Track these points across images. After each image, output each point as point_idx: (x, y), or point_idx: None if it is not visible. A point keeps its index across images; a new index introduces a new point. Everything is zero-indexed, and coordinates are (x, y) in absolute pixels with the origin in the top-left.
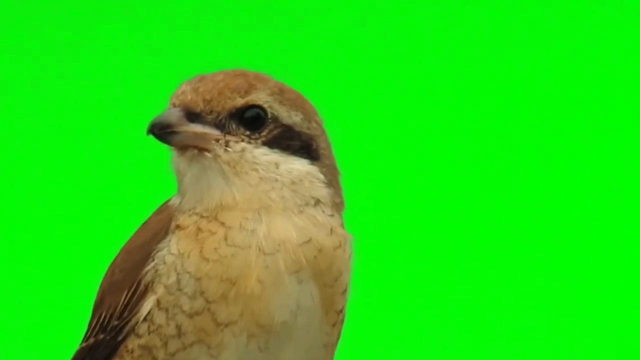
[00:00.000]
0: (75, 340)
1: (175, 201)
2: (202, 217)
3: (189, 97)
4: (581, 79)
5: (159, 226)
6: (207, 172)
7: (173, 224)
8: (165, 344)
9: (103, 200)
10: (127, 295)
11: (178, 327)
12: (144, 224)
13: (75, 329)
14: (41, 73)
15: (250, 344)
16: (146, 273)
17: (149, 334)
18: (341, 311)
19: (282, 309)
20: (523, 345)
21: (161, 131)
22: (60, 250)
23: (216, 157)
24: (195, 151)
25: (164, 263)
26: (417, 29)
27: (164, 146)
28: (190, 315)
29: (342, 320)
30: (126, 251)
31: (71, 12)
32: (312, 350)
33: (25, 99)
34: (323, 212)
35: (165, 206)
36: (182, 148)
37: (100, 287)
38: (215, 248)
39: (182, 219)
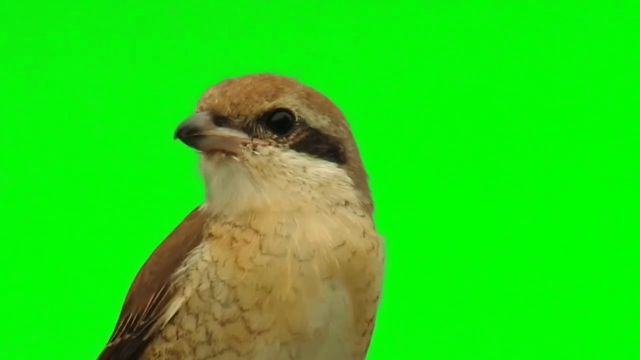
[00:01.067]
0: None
1: (204, 207)
2: (235, 226)
3: (217, 101)
4: (581, 79)
5: (191, 230)
6: (234, 176)
7: (206, 231)
8: (194, 350)
9: (129, 206)
10: (155, 296)
11: (208, 334)
12: (176, 228)
13: (101, 332)
14: (42, 75)
15: (282, 351)
16: (176, 276)
17: (177, 338)
18: (371, 320)
19: (315, 316)
20: (525, 344)
21: (188, 135)
22: (86, 252)
23: (244, 160)
24: (223, 155)
25: (196, 269)
26: (438, 31)
27: (186, 150)
28: (222, 323)
29: (372, 330)
30: (157, 254)
31: (73, 13)
32: (342, 358)
33: (35, 103)
34: (354, 212)
35: (196, 212)
36: (210, 152)
37: (130, 289)
38: (251, 257)
39: (215, 228)
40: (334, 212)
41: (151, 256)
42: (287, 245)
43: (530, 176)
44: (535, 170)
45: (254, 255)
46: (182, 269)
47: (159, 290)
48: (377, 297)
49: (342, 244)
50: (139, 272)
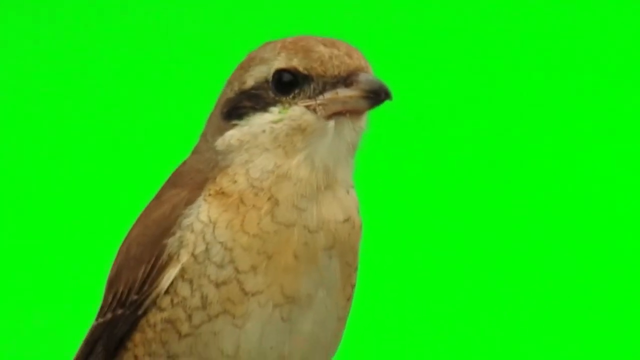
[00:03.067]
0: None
1: (204, 167)
2: (252, 186)
3: (362, 62)
4: (581, 79)
5: (177, 200)
6: (345, 142)
7: (210, 189)
8: (190, 317)
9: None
10: (146, 268)
11: (204, 298)
12: (157, 198)
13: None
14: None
15: (275, 313)
16: (169, 244)
17: (172, 306)
18: (354, 286)
19: (308, 281)
20: (521, 344)
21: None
22: (57, 240)
23: (361, 129)
24: (346, 117)
25: (192, 231)
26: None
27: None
28: (217, 285)
29: (353, 295)
30: (142, 225)
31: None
32: (328, 322)
33: (28, 99)
34: (353, 188)
35: (178, 177)
36: (336, 114)
37: (115, 262)
38: (258, 223)
39: (226, 185)
40: (348, 192)
41: (134, 228)
42: (301, 217)
43: (527, 173)
44: (531, 167)
45: (261, 221)
46: (176, 235)
47: (149, 261)
48: (358, 266)
49: (348, 219)
50: (122, 245)
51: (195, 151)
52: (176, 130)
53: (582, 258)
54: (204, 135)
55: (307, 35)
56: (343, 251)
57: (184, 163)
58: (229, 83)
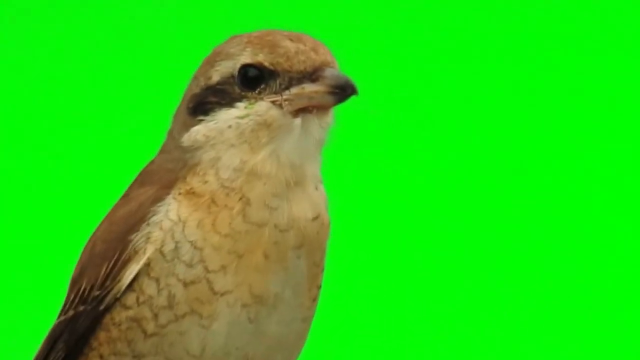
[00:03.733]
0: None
1: (171, 166)
2: (223, 186)
3: (328, 58)
4: (581, 79)
5: (143, 197)
6: (312, 139)
7: (181, 188)
8: (156, 316)
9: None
10: (109, 264)
11: (171, 297)
12: (125, 196)
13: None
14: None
15: (242, 314)
16: (133, 240)
17: (138, 305)
18: (319, 287)
19: (276, 280)
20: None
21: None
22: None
23: (327, 125)
24: (312, 113)
25: (160, 229)
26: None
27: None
28: (186, 284)
29: (318, 296)
30: (108, 222)
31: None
32: (293, 323)
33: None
34: (321, 183)
35: (147, 176)
36: (302, 109)
37: (79, 260)
38: (230, 223)
39: (197, 185)
40: (317, 188)
41: (101, 226)
42: (271, 216)
43: (524, 174)
44: (528, 167)
45: (233, 221)
46: (143, 231)
47: (112, 257)
48: (324, 266)
49: (317, 217)
50: (87, 243)
51: (163, 150)
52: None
53: (582, 258)
54: (170, 133)
55: (273, 29)
56: (311, 250)
57: (152, 162)
58: (195, 78)
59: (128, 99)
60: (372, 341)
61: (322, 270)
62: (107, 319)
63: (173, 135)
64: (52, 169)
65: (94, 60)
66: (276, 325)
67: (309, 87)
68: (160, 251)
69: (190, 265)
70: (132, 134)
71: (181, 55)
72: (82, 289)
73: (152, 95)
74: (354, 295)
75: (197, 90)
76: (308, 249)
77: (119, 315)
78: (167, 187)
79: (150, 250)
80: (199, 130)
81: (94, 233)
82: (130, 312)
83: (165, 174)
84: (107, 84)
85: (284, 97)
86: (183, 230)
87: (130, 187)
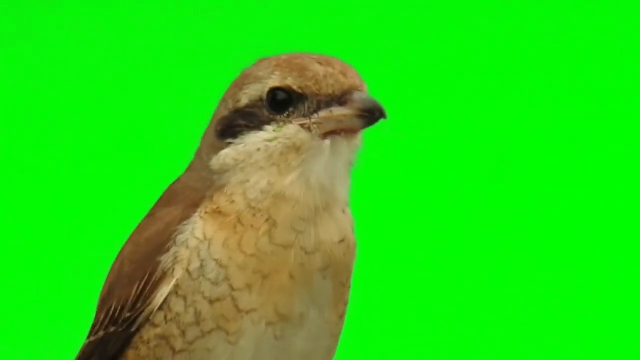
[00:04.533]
0: (73, 338)
1: (200, 185)
2: (250, 207)
3: (357, 81)
4: (582, 79)
5: (170, 218)
6: (342, 161)
7: (207, 207)
8: (184, 333)
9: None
10: (139, 286)
11: (197, 314)
12: (150, 215)
13: (72, 328)
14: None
15: (268, 331)
16: (162, 261)
17: (166, 323)
18: (346, 303)
19: (301, 300)
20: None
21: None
22: (56, 249)
23: (356, 147)
24: (341, 136)
25: (187, 247)
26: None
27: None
28: (212, 302)
29: (346, 312)
30: (135, 243)
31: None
32: (321, 339)
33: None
34: (348, 206)
35: (172, 195)
36: (331, 133)
37: (107, 280)
38: (256, 243)
39: (224, 205)
40: (344, 211)
41: (127, 245)
42: (298, 239)
43: (523, 175)
44: (527, 172)
45: (259, 241)
46: (171, 251)
47: (142, 278)
48: (351, 284)
49: (343, 240)
50: (115, 263)
51: (190, 169)
52: (172, 138)
53: (581, 258)
54: (198, 153)
55: (301, 52)
56: (338, 271)
57: (178, 180)
58: (224, 101)
59: (137, 104)
60: (381, 346)
61: (349, 288)
62: (136, 337)
63: (201, 157)
64: (54, 171)
65: (100, 66)
66: (303, 341)
67: (337, 111)
68: (187, 270)
69: (215, 283)
70: (143, 139)
71: (198, 66)
72: (113, 309)
73: (160, 101)
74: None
75: (225, 113)
76: (334, 270)
77: (148, 333)
78: (193, 206)
79: (178, 271)
80: (228, 154)
81: (121, 252)
82: (159, 330)
83: (191, 193)
84: (111, 89)
85: (313, 120)
86: (209, 248)
87: (156, 206)
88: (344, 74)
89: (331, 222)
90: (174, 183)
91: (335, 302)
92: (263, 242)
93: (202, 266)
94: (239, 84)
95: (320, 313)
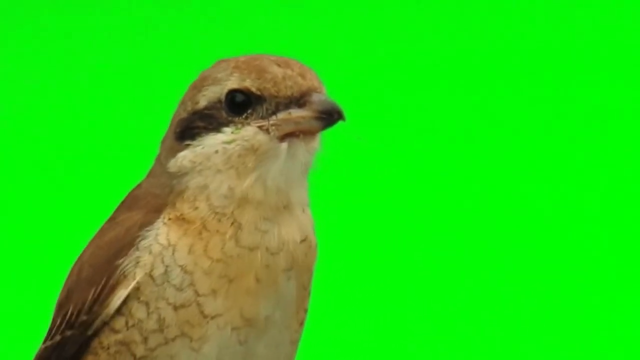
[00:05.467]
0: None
1: (160, 191)
2: (214, 212)
3: (315, 83)
4: (581, 79)
5: (131, 222)
6: (299, 163)
7: (170, 214)
8: (146, 339)
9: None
10: (97, 289)
11: (161, 321)
12: (111, 220)
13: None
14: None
15: (233, 336)
16: (122, 265)
17: (127, 329)
18: (306, 311)
19: (267, 304)
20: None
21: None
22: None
23: (314, 149)
24: (299, 138)
25: (150, 253)
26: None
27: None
28: (176, 308)
29: (305, 320)
30: (95, 247)
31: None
32: (282, 346)
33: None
34: (308, 207)
35: (134, 200)
36: (289, 134)
37: (65, 284)
38: (222, 248)
39: (187, 212)
40: (304, 211)
41: (87, 249)
42: (263, 240)
43: (516, 180)
44: (521, 172)
45: (225, 245)
46: (132, 255)
47: (100, 282)
48: (311, 289)
49: (305, 239)
50: (74, 267)
51: (151, 174)
52: (134, 143)
53: (580, 258)
54: (158, 158)
55: (260, 54)
56: (300, 272)
57: (139, 186)
58: (182, 103)
59: (126, 107)
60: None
61: (309, 294)
62: (95, 343)
63: (160, 161)
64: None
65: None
66: (265, 347)
67: (295, 113)
68: (149, 275)
69: (180, 289)
70: (127, 140)
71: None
72: (70, 313)
73: (121, 105)
74: (340, 315)
75: (184, 115)
76: (297, 271)
77: (108, 339)
78: (155, 212)
79: (139, 275)
80: (186, 156)
81: (81, 256)
82: (119, 336)
83: (152, 199)
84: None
85: (271, 122)
86: (173, 254)
87: (117, 211)
88: (303, 76)
89: (292, 221)
90: (135, 188)
91: (297, 307)
92: (229, 245)
93: (166, 272)
94: (197, 86)
95: (284, 317)
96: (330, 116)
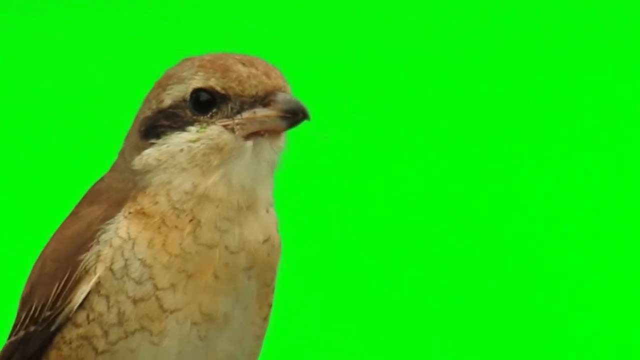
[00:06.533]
0: None
1: (122, 185)
2: (173, 208)
3: (280, 82)
4: (582, 79)
5: (92, 217)
6: (264, 162)
7: (131, 207)
8: (106, 333)
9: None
10: (59, 284)
11: (120, 314)
12: (73, 214)
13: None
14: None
15: (192, 331)
16: (83, 260)
17: (88, 323)
18: (271, 305)
19: (226, 301)
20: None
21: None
22: None
23: (277, 148)
24: (264, 137)
25: (110, 246)
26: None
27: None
28: (135, 301)
29: (270, 314)
30: (57, 242)
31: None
32: (244, 341)
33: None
34: (272, 206)
35: (95, 195)
36: (254, 133)
37: (29, 280)
38: (180, 243)
39: (148, 206)
40: (268, 210)
41: (49, 244)
42: (222, 239)
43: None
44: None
45: (183, 241)
46: (93, 249)
47: (63, 277)
48: (275, 286)
49: (267, 239)
50: (36, 262)
51: (113, 169)
52: (96, 137)
53: (580, 258)
54: (121, 153)
55: (225, 52)
56: (262, 271)
57: (101, 180)
58: (147, 101)
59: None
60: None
61: (273, 290)
62: (58, 338)
63: (124, 157)
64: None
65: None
66: (227, 343)
67: (260, 112)
68: (110, 269)
69: (139, 283)
70: (66, 139)
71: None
72: (33, 308)
73: (82, 101)
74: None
75: (149, 113)
76: (259, 270)
77: (70, 333)
78: (116, 206)
79: (100, 269)
80: (150, 154)
81: (43, 251)
82: (81, 330)
83: (114, 193)
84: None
85: (236, 121)
86: (133, 247)
87: (79, 205)
88: (267, 75)
89: (255, 221)
90: (97, 182)
91: (259, 302)
92: (187, 242)
93: (125, 265)
94: (162, 84)
95: (245, 314)
96: (295, 115)
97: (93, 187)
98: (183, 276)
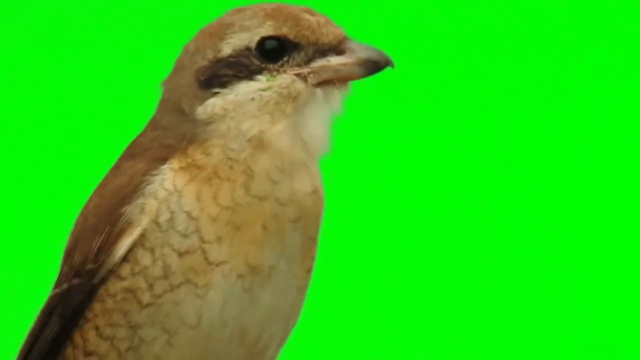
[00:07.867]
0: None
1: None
2: (227, 158)
3: (341, 31)
4: (582, 79)
5: (135, 170)
6: (332, 110)
7: (180, 160)
8: (151, 286)
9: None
10: (101, 237)
11: (166, 267)
12: (115, 168)
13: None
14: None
15: (237, 284)
16: (125, 212)
17: (133, 276)
18: (314, 258)
19: (272, 253)
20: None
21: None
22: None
23: (345, 97)
24: (335, 86)
25: (155, 198)
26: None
27: None
28: (181, 254)
29: (313, 267)
30: (99, 196)
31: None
32: (287, 293)
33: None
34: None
35: (136, 148)
36: (324, 82)
37: (72, 234)
38: (231, 195)
39: (199, 157)
40: (317, 163)
41: (91, 199)
42: (274, 190)
43: (515, 177)
44: (520, 170)
45: (234, 193)
46: (137, 201)
47: (104, 231)
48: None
49: (315, 190)
50: (79, 216)
51: (157, 126)
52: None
53: (580, 258)
54: (166, 110)
55: (277, 2)
56: (308, 223)
57: (143, 134)
58: (199, 51)
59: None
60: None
61: (316, 243)
62: (102, 290)
63: (181, 109)
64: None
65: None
66: (271, 295)
67: (335, 60)
68: (155, 221)
69: (185, 235)
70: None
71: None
72: (76, 261)
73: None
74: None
75: (205, 63)
76: (305, 222)
77: (114, 286)
78: (160, 160)
79: (145, 222)
80: (217, 104)
81: (86, 205)
82: (125, 283)
83: (159, 149)
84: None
85: (308, 69)
86: (179, 200)
87: (121, 159)
88: (333, 24)
89: (306, 172)
90: (137, 137)
91: (303, 255)
92: (239, 193)
93: (171, 218)
94: (217, 34)
95: (289, 266)
96: (376, 63)
97: (134, 141)
98: (230, 228)
